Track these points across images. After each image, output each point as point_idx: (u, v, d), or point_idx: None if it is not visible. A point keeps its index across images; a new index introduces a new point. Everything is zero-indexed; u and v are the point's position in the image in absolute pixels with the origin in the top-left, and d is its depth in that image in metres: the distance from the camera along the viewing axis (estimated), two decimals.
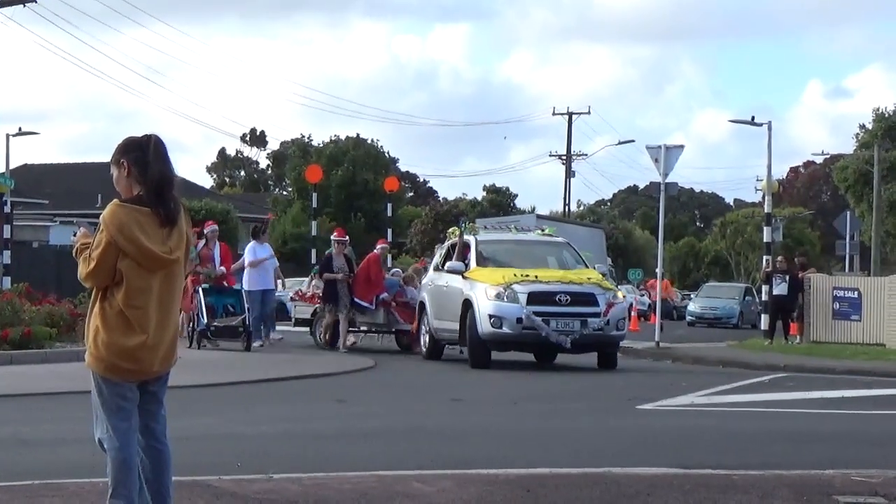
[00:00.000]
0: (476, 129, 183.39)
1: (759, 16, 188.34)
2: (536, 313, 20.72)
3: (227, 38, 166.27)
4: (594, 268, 23.04)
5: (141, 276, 6.31)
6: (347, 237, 26.70)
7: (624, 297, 21.93)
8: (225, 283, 24.29)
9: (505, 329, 20.91)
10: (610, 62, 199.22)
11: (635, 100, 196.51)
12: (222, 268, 24.33)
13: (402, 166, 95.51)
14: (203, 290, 23.58)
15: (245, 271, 25.27)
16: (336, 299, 24.95)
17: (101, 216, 6.30)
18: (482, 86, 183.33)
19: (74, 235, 6.62)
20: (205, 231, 24.73)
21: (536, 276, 21.43)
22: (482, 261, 22.57)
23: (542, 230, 26.37)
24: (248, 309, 24.12)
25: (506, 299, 20.95)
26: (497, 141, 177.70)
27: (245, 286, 24.93)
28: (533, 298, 20.94)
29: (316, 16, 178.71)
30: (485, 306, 21.04)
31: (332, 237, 26.54)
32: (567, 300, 20.99)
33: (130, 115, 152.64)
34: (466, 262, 22.68)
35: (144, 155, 6.40)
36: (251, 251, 25.63)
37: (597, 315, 20.95)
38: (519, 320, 20.76)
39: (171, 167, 6.47)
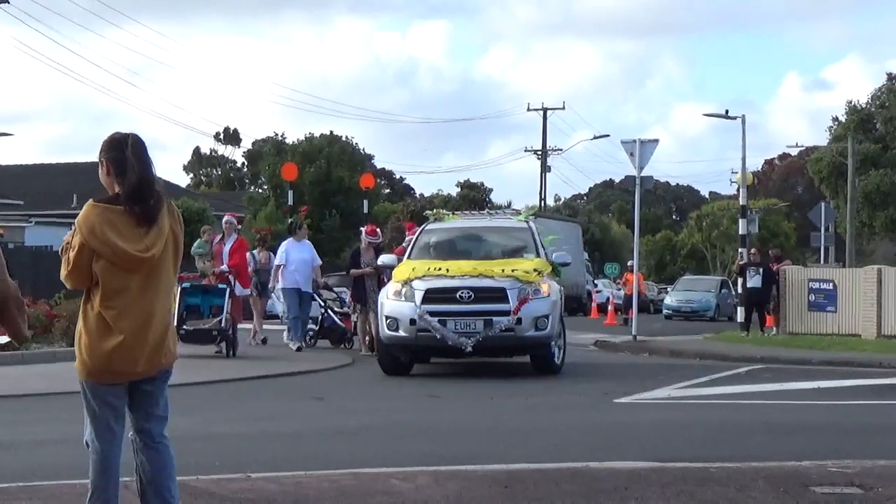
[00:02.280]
0: (456, 126, 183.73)
1: (740, 9, 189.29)
2: (433, 313, 18.26)
3: (211, 37, 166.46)
4: (549, 256, 20.35)
5: (117, 276, 6.23)
6: (380, 237, 24.74)
7: (549, 290, 18.83)
8: (232, 280, 22.15)
9: (400, 332, 18.52)
10: (592, 58, 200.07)
11: (617, 95, 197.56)
12: (223, 266, 22.17)
13: (379, 163, 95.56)
14: (183, 288, 21.75)
15: (280, 269, 23.70)
16: (364, 298, 22.91)
17: (77, 218, 6.25)
18: (463, 82, 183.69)
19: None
20: (223, 222, 23.33)
21: (447, 270, 18.93)
22: (418, 252, 20.42)
23: (519, 212, 23.99)
24: (287, 308, 23.47)
25: (403, 298, 18.62)
26: (477, 137, 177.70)
27: (280, 284, 23.78)
28: (430, 296, 18.45)
29: (298, 13, 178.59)
30: (385, 306, 18.94)
31: (362, 233, 24.56)
32: (469, 297, 18.36)
33: (110, 115, 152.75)
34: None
35: (123, 153, 6.34)
36: (285, 250, 23.85)
37: (504, 313, 18.25)
38: (413, 321, 18.33)
39: (150, 166, 6.37)
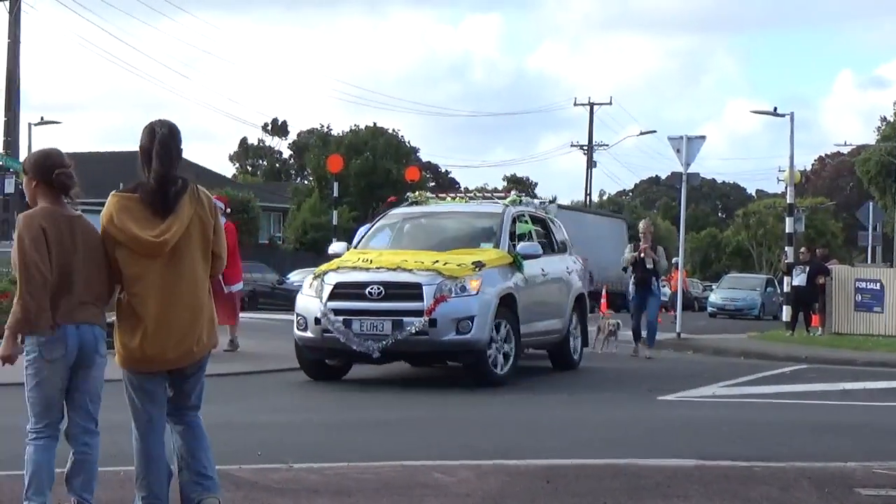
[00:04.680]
0: (506, 120, 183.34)
1: (797, 5, 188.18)
2: (339, 311, 15.85)
3: (268, 28, 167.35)
4: (514, 246, 17.51)
5: (137, 262, 6.38)
6: None
7: (479, 286, 16.01)
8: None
9: (308, 332, 16.14)
10: (647, 53, 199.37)
11: (671, 91, 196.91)
12: None
13: (425, 156, 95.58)
14: None
15: None
16: None
17: None
18: (516, 76, 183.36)
19: None
20: None
21: (370, 261, 16.52)
22: (366, 241, 18.23)
23: (509, 194, 19.80)
24: None
25: (314, 293, 16.24)
26: (527, 131, 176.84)
27: None
28: (337, 291, 16.06)
29: (356, 5, 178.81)
30: (297, 302, 16.78)
31: None
32: (379, 293, 15.78)
33: (162, 105, 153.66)
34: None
35: (149, 143, 6.48)
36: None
37: (416, 313, 15.62)
38: (317, 321, 15.93)
39: (172, 161, 6.45)
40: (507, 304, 16.59)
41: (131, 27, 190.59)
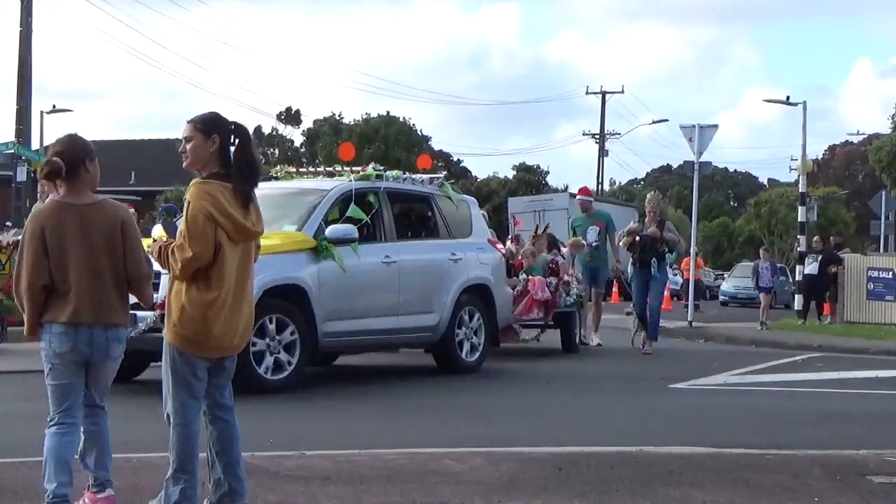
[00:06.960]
0: (523, 109, 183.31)
1: None
2: None
3: (294, 18, 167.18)
4: (315, 230, 14.59)
5: (230, 249, 6.44)
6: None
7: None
8: None
9: None
10: (667, 43, 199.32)
11: (691, 80, 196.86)
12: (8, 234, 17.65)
13: (437, 145, 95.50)
14: None
15: None
16: None
17: (187, 195, 6.42)
18: (535, 66, 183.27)
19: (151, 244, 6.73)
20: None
21: None
22: None
23: (370, 170, 16.44)
24: None
25: None
26: (544, 120, 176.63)
27: None
28: None
29: None
30: None
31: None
32: None
33: (180, 94, 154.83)
34: None
35: (230, 138, 6.56)
36: None
37: (152, 307, 11.84)
38: None
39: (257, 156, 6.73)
40: (290, 297, 13.96)
41: (149, 18, 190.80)
